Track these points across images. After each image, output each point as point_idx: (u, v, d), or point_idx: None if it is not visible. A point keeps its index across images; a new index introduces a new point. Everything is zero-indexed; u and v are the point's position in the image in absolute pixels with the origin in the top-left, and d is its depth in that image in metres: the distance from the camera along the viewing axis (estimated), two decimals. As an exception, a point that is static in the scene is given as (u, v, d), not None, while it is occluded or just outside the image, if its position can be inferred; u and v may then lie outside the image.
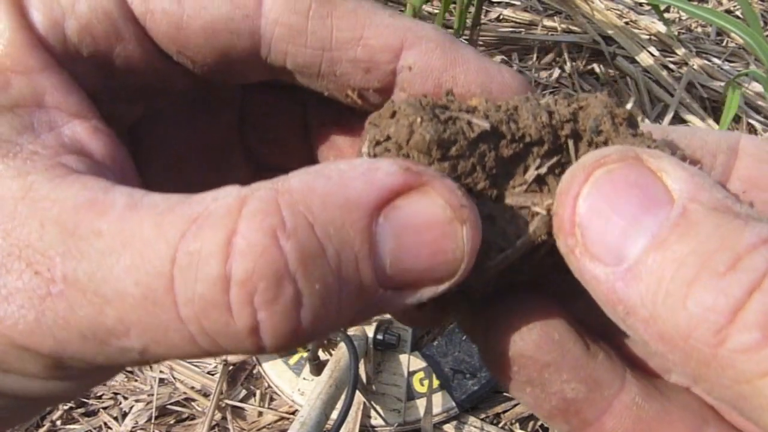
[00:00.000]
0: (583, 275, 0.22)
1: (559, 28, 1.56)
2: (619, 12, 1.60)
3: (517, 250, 0.25)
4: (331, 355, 0.98)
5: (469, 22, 1.36)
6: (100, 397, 1.02)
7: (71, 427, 0.99)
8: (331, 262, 0.21)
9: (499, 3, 1.63)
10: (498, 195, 0.26)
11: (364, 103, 0.29)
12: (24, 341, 0.20)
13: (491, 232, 0.25)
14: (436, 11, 1.43)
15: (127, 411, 1.01)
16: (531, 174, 0.26)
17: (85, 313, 0.20)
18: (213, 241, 0.20)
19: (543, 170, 0.26)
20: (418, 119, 0.24)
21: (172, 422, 1.00)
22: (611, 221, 0.21)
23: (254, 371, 1.04)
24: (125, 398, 1.02)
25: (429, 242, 0.22)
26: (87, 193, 0.21)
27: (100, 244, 0.20)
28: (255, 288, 0.20)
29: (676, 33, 1.55)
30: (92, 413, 1.00)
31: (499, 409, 1.01)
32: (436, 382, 0.99)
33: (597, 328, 0.27)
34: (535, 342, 0.25)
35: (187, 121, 0.33)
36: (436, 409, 0.97)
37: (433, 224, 0.22)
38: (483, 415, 1.00)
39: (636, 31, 1.54)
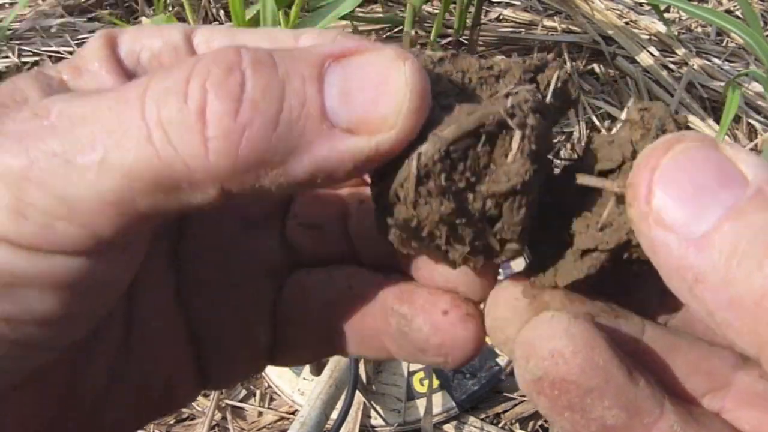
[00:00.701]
0: (654, 244, 0.23)
1: (559, 28, 1.56)
2: (619, 12, 1.60)
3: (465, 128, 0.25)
4: (331, 355, 0.98)
5: (469, 22, 1.37)
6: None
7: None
8: (280, 72, 0.22)
9: (499, 3, 1.63)
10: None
11: None
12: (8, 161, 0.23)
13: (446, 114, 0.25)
14: (436, 11, 1.43)
15: (127, 411, 1.01)
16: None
17: (63, 130, 0.23)
18: (186, 60, 0.23)
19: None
20: None
21: (172, 422, 1.00)
22: (688, 192, 0.22)
23: (254, 371, 1.04)
24: (125, 398, 1.02)
25: (373, 74, 0.23)
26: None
27: (98, 92, 0.24)
28: (209, 73, 0.22)
29: (676, 33, 1.55)
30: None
31: (499, 409, 1.01)
32: (436, 382, 0.99)
33: (637, 355, 0.27)
34: (580, 366, 0.25)
35: None
36: (436, 409, 0.97)
37: (378, 62, 0.23)
38: (483, 415, 1.00)
39: (636, 31, 1.54)
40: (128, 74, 0.29)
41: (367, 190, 0.28)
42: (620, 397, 0.25)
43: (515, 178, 0.25)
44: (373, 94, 0.23)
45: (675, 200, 0.22)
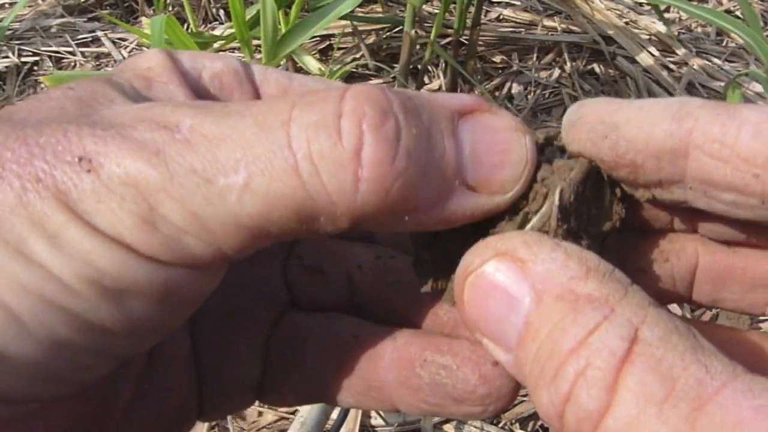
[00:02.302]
0: (494, 357, 0.25)
1: (559, 28, 1.56)
2: (619, 12, 1.60)
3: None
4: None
5: (469, 22, 1.37)
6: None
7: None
8: (424, 120, 0.24)
9: (499, 3, 1.63)
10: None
11: None
12: (135, 171, 0.23)
13: None
14: (436, 11, 1.43)
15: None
16: None
17: (203, 149, 0.23)
18: (329, 95, 0.24)
19: None
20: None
21: (172, 422, 1.00)
22: (491, 321, 0.24)
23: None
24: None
25: (499, 141, 0.26)
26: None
27: (227, 110, 0.24)
28: (364, 114, 0.23)
29: (676, 33, 1.55)
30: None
31: (499, 409, 1.01)
32: (436, 382, 0.99)
33: None
34: None
35: None
36: (436, 409, 0.97)
37: (503, 128, 0.26)
38: (483, 415, 1.01)
39: (636, 31, 1.54)
40: (193, 89, 0.30)
41: (378, 248, 0.34)
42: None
43: (615, 217, 0.29)
44: (499, 159, 0.26)
45: (486, 330, 0.25)
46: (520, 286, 0.23)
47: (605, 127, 0.27)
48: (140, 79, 0.29)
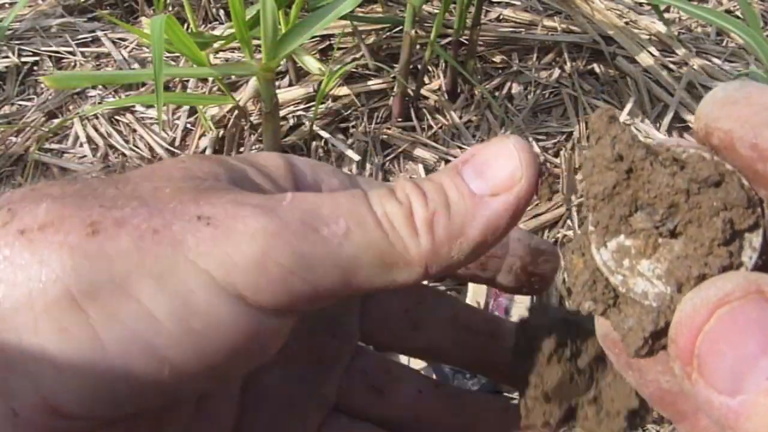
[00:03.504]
0: (698, 396, 0.23)
1: (559, 28, 1.56)
2: (619, 12, 1.60)
3: None
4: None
5: (469, 22, 1.37)
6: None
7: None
8: (435, 183, 0.30)
9: (499, 3, 1.63)
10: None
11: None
12: (253, 221, 0.26)
13: None
14: (436, 11, 1.43)
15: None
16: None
17: (308, 207, 0.28)
18: (377, 187, 0.30)
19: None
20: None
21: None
22: (730, 358, 0.22)
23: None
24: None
25: (491, 153, 0.30)
26: None
27: (308, 194, 0.29)
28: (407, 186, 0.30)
29: (676, 33, 1.55)
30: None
31: (499, 409, 1.01)
32: (436, 382, 0.99)
33: None
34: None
35: None
36: (436, 409, 0.97)
37: (490, 145, 0.30)
38: (483, 415, 1.00)
39: (636, 31, 1.54)
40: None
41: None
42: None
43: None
44: (496, 163, 0.29)
45: (716, 366, 0.23)
46: None
47: None
48: (259, 173, 0.32)
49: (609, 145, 0.25)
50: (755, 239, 0.25)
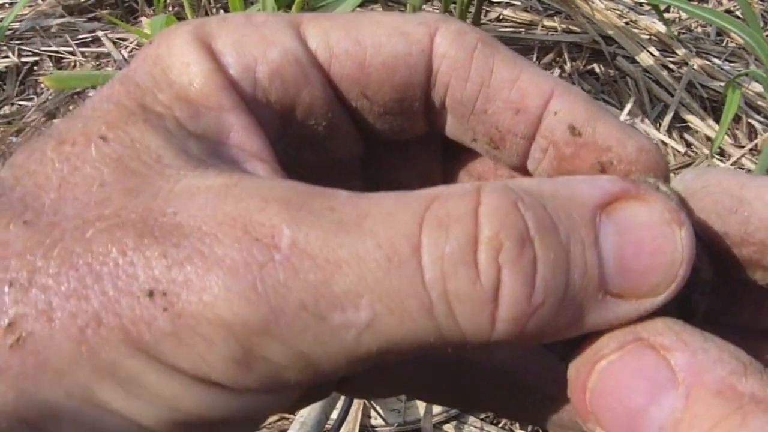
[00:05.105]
0: None
1: (559, 28, 1.56)
2: (619, 12, 1.60)
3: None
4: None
5: (469, 22, 1.37)
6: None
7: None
8: (562, 237, 0.22)
9: (499, 3, 1.63)
10: None
11: (502, 150, 0.30)
12: (227, 312, 0.19)
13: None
14: (436, 11, 1.43)
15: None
16: None
17: (313, 278, 0.20)
18: (460, 209, 0.21)
19: None
20: None
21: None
22: (621, 412, 0.22)
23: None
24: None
25: (649, 240, 0.22)
26: (304, 186, 0.22)
27: (334, 216, 0.21)
28: (501, 246, 0.21)
29: (676, 33, 1.55)
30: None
31: (499, 409, 1.01)
32: (436, 382, 0.99)
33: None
34: None
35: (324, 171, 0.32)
36: (436, 408, 0.97)
37: (653, 224, 0.23)
38: (483, 415, 1.00)
39: (636, 31, 1.54)
40: (249, 102, 0.26)
41: None
42: None
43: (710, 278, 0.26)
44: (649, 263, 0.22)
45: (613, 421, 0.22)
46: (664, 376, 0.21)
47: (733, 200, 0.24)
48: (182, 104, 0.25)
49: None
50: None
